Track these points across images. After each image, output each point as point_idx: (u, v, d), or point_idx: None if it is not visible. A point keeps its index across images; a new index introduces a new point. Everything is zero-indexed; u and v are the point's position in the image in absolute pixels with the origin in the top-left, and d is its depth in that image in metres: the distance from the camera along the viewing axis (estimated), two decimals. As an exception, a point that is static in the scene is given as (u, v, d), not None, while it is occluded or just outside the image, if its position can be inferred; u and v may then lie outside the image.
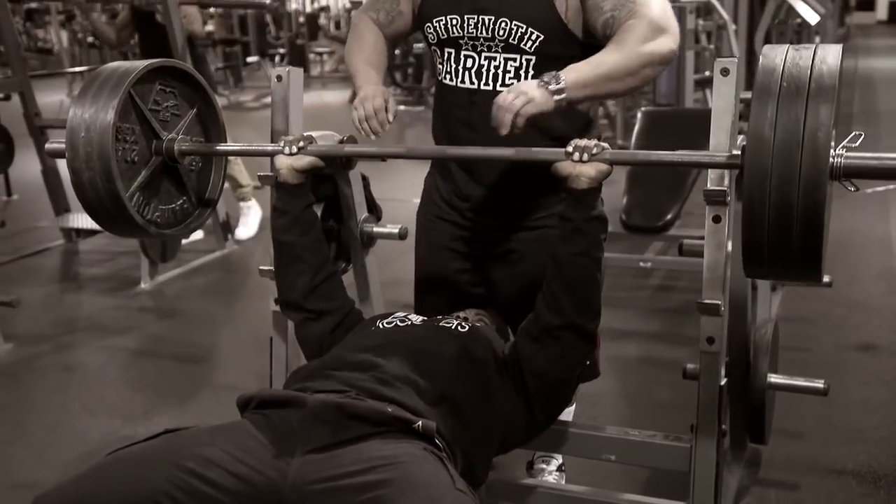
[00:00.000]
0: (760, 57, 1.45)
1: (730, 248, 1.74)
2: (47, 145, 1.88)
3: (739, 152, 1.53)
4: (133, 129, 1.81)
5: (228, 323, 3.82)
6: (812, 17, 7.24)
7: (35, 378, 3.27)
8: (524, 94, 1.64)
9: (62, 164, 5.06)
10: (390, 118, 1.87)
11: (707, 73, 6.08)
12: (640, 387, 2.99)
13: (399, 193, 5.89)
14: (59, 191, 4.86)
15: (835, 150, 1.42)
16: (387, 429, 1.43)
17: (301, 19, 15.10)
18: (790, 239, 1.37)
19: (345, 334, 1.83)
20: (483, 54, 1.83)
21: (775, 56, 1.43)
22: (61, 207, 4.90)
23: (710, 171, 1.74)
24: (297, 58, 12.67)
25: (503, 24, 1.78)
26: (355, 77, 1.96)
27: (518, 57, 1.81)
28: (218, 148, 1.96)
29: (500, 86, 1.80)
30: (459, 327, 1.79)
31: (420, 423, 1.45)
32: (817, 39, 11.55)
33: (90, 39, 12.55)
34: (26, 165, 5.30)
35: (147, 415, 2.91)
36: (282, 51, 13.47)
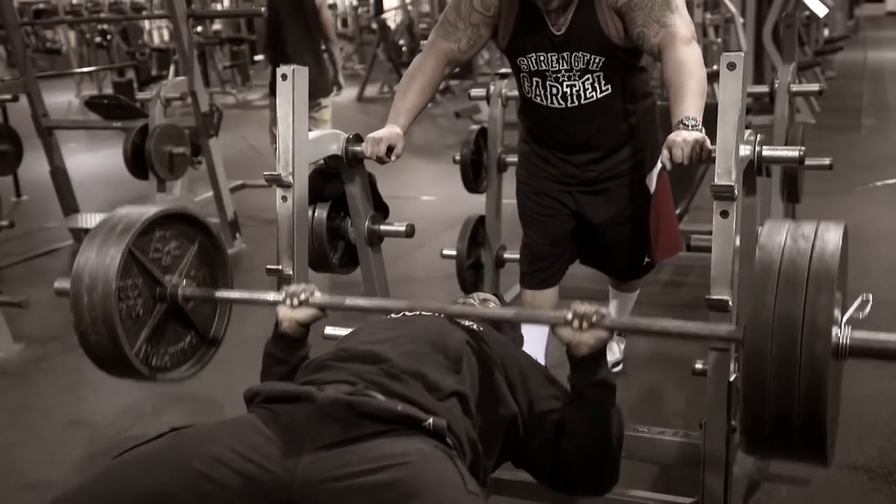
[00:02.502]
0: (761, 233, 1.44)
1: (738, 243, 1.73)
2: (55, 285, 1.91)
3: (742, 329, 1.50)
4: (135, 283, 1.83)
5: (235, 321, 3.79)
6: (820, 10, 7.22)
7: (45, 378, 3.28)
8: (692, 139, 1.86)
9: (71, 165, 5.08)
10: (392, 158, 2.15)
11: (715, 67, 6.05)
12: (649, 383, 2.98)
13: (406, 191, 5.90)
14: (68, 191, 4.88)
15: (840, 328, 1.39)
16: (397, 427, 1.42)
17: (308, 17, 15.08)
18: (792, 419, 1.34)
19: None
20: (564, 83, 2.32)
21: (775, 238, 1.42)
22: (70, 208, 4.92)
23: (717, 165, 1.74)
24: (304, 56, 12.67)
25: (576, 57, 2.27)
26: (391, 110, 2.28)
27: (590, 76, 2.30)
28: (219, 295, 1.96)
29: (583, 101, 2.33)
30: (470, 325, 1.79)
31: (430, 420, 1.44)
32: (825, 32, 11.51)
33: (97, 40, 12.57)
34: (35, 166, 5.32)
35: (156, 413, 2.92)
36: (289, 49, 13.46)
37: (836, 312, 1.39)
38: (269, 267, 2.08)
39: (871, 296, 1.45)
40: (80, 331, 1.80)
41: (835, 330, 1.36)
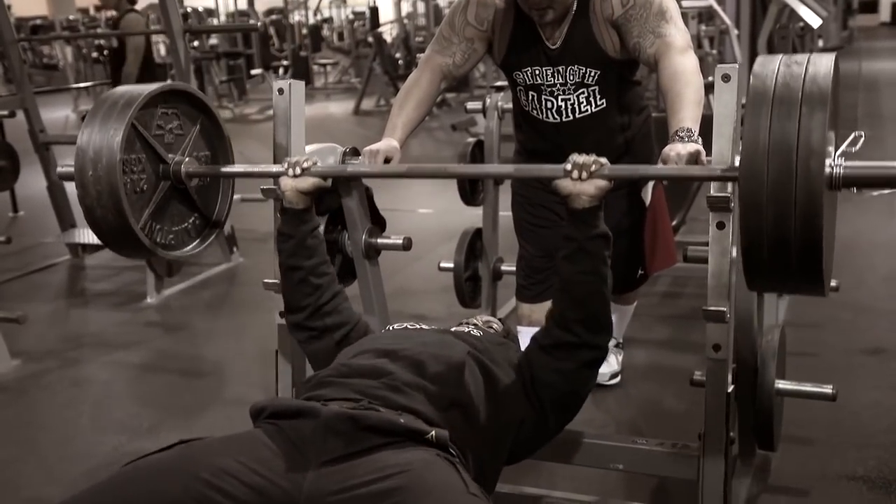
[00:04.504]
0: (753, 68, 1.45)
1: (734, 254, 1.74)
2: (58, 169, 1.91)
3: (738, 164, 1.52)
4: (139, 158, 1.84)
5: (234, 336, 3.82)
6: (814, 21, 7.23)
7: (42, 394, 3.27)
8: (686, 152, 1.83)
9: (67, 182, 5.07)
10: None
11: (710, 79, 6.07)
12: (647, 395, 2.98)
13: (403, 204, 5.90)
14: (65, 206, 4.88)
15: (833, 159, 1.40)
16: (400, 439, 1.43)
17: (304, 31, 15.15)
18: (789, 250, 1.35)
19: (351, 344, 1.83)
20: (559, 97, 2.33)
21: (767, 67, 1.43)
22: (67, 223, 4.91)
23: (712, 178, 1.74)
24: (301, 70, 12.72)
25: (571, 71, 2.28)
26: (387, 124, 2.29)
27: (585, 90, 2.31)
28: (223, 170, 1.98)
29: (577, 115, 2.34)
30: (469, 332, 1.80)
31: (433, 432, 1.45)
32: (819, 43, 11.56)
33: (94, 55, 12.59)
34: (32, 182, 5.32)
35: (154, 430, 2.91)
36: (285, 63, 13.51)
37: (830, 147, 1.40)
38: (266, 281, 2.08)
39: (863, 133, 1.46)
40: (85, 205, 1.80)
41: (828, 161, 1.37)
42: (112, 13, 6.47)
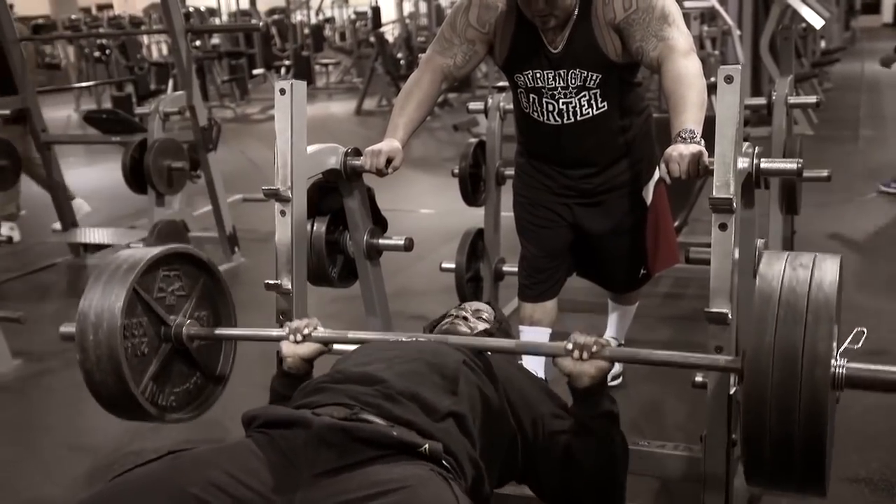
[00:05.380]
0: (759, 268, 1.44)
1: (737, 255, 1.73)
2: (61, 329, 1.92)
3: (740, 357, 1.51)
4: (140, 321, 1.85)
5: (236, 336, 3.81)
6: (817, 22, 7.23)
7: (43, 394, 3.27)
8: (688, 153, 1.84)
9: (69, 180, 5.07)
10: (390, 171, 2.16)
11: (713, 80, 6.07)
12: (649, 397, 2.97)
13: (404, 205, 5.90)
14: (67, 206, 4.88)
15: (836, 359, 1.40)
16: (393, 452, 1.41)
17: (306, 31, 15.15)
18: (792, 453, 1.35)
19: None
20: (560, 100, 2.32)
21: (773, 267, 1.43)
22: (68, 222, 4.91)
23: (715, 178, 1.73)
24: (303, 69, 12.71)
25: (572, 74, 2.27)
26: (389, 124, 2.29)
27: (586, 93, 2.30)
28: (224, 332, 1.98)
29: (579, 118, 2.33)
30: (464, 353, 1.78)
31: (427, 445, 1.43)
32: (822, 44, 11.55)
33: (96, 54, 12.60)
34: (33, 181, 5.32)
35: (155, 429, 2.90)
36: (287, 63, 13.52)
37: (833, 344, 1.40)
38: (267, 282, 2.08)
39: (865, 329, 1.45)
40: (85, 369, 1.81)
41: (831, 362, 1.37)
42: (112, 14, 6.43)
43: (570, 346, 1.62)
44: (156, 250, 1.87)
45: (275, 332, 1.87)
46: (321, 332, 1.80)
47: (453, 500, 1.33)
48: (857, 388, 1.42)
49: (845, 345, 1.44)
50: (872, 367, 1.42)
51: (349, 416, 1.47)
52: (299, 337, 1.79)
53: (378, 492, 1.32)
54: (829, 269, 1.41)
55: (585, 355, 1.61)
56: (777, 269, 1.42)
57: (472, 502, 1.40)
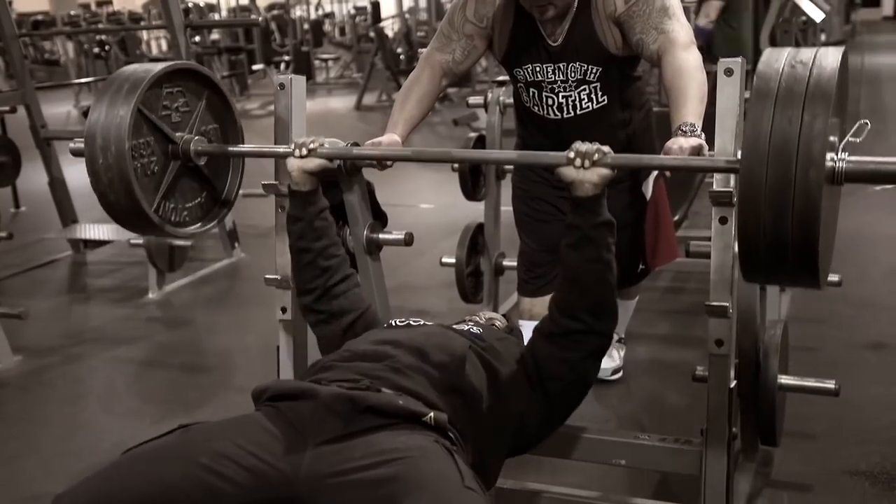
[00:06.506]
0: (761, 60, 1.44)
1: (736, 249, 1.73)
2: (70, 144, 1.93)
3: (740, 156, 1.52)
4: (147, 141, 1.88)
5: (236, 332, 3.81)
6: (817, 15, 7.21)
7: (44, 390, 3.27)
8: (688, 146, 1.83)
9: (69, 176, 5.07)
10: (389, 165, 2.10)
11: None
12: (649, 390, 2.97)
13: (405, 199, 5.89)
14: (67, 202, 4.88)
15: (837, 153, 1.40)
16: (398, 420, 1.44)
17: (306, 26, 15.13)
18: (786, 244, 1.36)
19: (358, 336, 1.84)
20: (560, 94, 2.32)
21: (772, 66, 1.42)
22: (69, 219, 4.91)
23: (715, 172, 1.73)
24: (303, 65, 12.69)
25: (572, 68, 2.26)
26: (389, 119, 2.29)
27: (586, 87, 2.30)
28: (231, 149, 2.01)
29: (578, 112, 2.33)
30: (470, 330, 1.80)
31: (431, 414, 1.46)
32: (822, 37, 11.53)
33: (96, 50, 12.59)
34: (33, 177, 5.31)
35: (156, 425, 2.90)
36: (287, 58, 13.49)
37: (834, 138, 1.40)
38: (267, 276, 2.08)
39: (868, 122, 1.45)
40: (98, 191, 1.84)
41: (831, 155, 1.37)
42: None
43: (571, 154, 1.65)
44: (157, 67, 1.88)
45: (280, 148, 1.92)
46: (326, 147, 1.87)
47: (456, 473, 1.35)
48: (857, 181, 1.42)
49: (847, 138, 1.44)
50: (874, 159, 1.43)
51: (356, 387, 1.49)
52: (304, 151, 1.85)
53: (381, 460, 1.34)
54: (829, 63, 1.40)
55: (587, 163, 1.63)
56: (776, 66, 1.41)
57: (476, 476, 1.41)
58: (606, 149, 1.66)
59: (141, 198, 1.82)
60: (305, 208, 1.87)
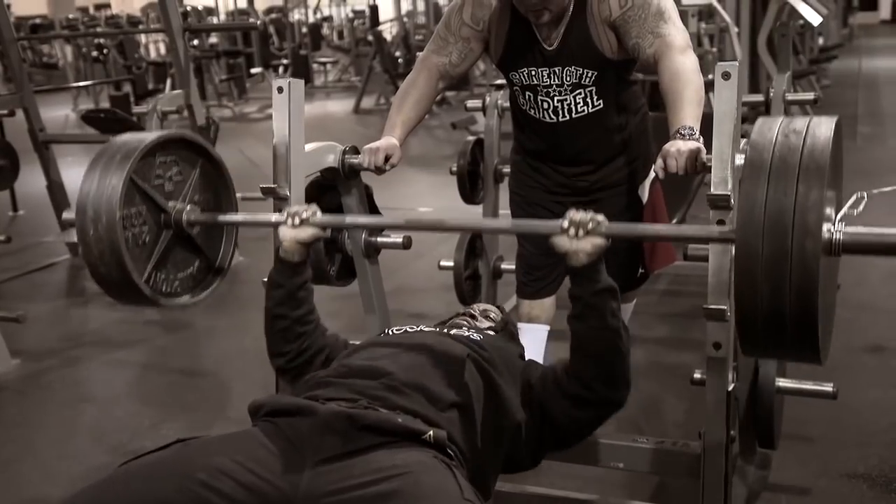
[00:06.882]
0: (754, 129, 1.43)
1: (734, 252, 1.73)
2: (63, 215, 1.91)
3: (733, 228, 1.51)
4: (139, 211, 1.84)
5: (234, 335, 3.81)
6: (814, 19, 7.22)
7: (43, 394, 3.27)
8: (686, 149, 1.86)
9: (67, 179, 5.06)
10: (387, 168, 2.16)
11: (710, 77, 6.06)
12: (647, 393, 2.98)
13: (403, 203, 5.90)
14: (64, 206, 4.87)
15: (833, 225, 1.39)
16: (397, 439, 1.43)
17: (304, 30, 15.14)
18: (784, 317, 1.34)
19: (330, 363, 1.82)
20: (556, 98, 2.31)
21: (768, 129, 1.41)
22: (66, 222, 4.91)
23: (712, 175, 1.74)
24: (301, 68, 12.69)
25: (567, 72, 2.26)
26: (387, 123, 2.29)
27: (581, 91, 2.29)
28: (222, 218, 1.97)
29: (574, 116, 2.32)
30: (469, 337, 1.79)
31: (430, 432, 1.45)
32: (820, 41, 11.55)
33: (94, 54, 12.59)
34: (31, 181, 5.32)
35: (155, 428, 2.91)
36: (285, 62, 13.50)
37: (830, 210, 1.39)
38: (265, 279, 2.07)
39: (865, 194, 1.45)
40: (89, 262, 1.80)
41: (828, 226, 1.36)
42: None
43: (565, 223, 1.62)
44: (150, 137, 1.85)
45: (273, 217, 1.88)
46: (319, 216, 1.82)
47: (455, 487, 1.35)
48: (855, 252, 1.41)
49: (844, 209, 1.44)
50: (872, 229, 1.41)
51: (354, 406, 1.48)
52: (297, 221, 1.80)
53: (381, 477, 1.33)
54: (822, 133, 1.38)
55: (581, 233, 1.61)
56: (769, 136, 1.41)
57: (475, 489, 1.41)
58: (601, 217, 1.63)
59: (132, 270, 1.77)
60: (291, 278, 1.81)
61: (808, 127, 1.40)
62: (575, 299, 1.66)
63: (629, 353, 1.68)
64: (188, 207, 1.90)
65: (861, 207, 1.45)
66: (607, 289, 1.65)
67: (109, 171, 1.78)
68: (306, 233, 1.79)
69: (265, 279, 2.08)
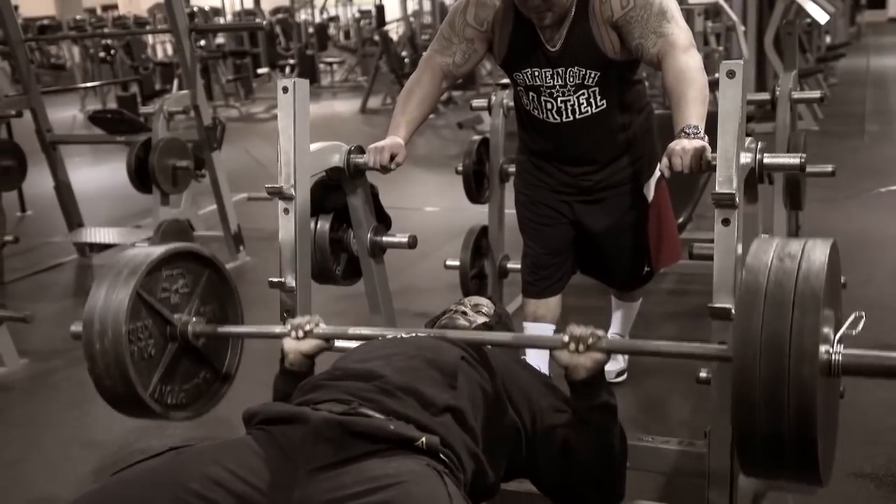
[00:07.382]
0: (749, 252, 1.44)
1: (740, 251, 1.73)
2: (72, 328, 1.92)
3: (730, 346, 1.51)
4: (146, 324, 1.84)
5: (241, 334, 3.82)
6: (821, 17, 7.22)
7: (49, 393, 3.28)
8: (691, 147, 1.85)
9: (75, 180, 5.08)
10: (392, 167, 2.16)
11: (716, 75, 6.05)
12: (653, 392, 2.97)
13: (409, 202, 5.90)
14: (72, 206, 4.89)
15: (832, 347, 1.39)
16: (390, 446, 1.42)
17: (310, 30, 15.16)
18: (783, 439, 1.34)
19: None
20: (559, 98, 2.32)
21: (763, 252, 1.42)
22: (74, 222, 4.93)
23: (717, 173, 1.73)
24: (307, 68, 12.72)
25: (571, 72, 2.27)
26: (391, 122, 2.29)
27: (585, 91, 2.30)
28: (227, 331, 1.97)
29: (577, 116, 2.33)
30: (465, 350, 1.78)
31: (423, 439, 1.44)
32: (827, 39, 11.52)
33: (101, 55, 12.63)
34: (39, 181, 5.34)
35: (161, 427, 2.91)
36: (292, 62, 13.52)
37: (828, 330, 1.39)
38: (271, 280, 2.08)
39: (864, 313, 1.44)
40: (94, 375, 1.81)
41: (826, 348, 1.36)
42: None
43: (566, 338, 1.63)
44: (157, 252, 1.86)
45: (277, 328, 1.88)
46: (323, 328, 1.81)
47: (445, 497, 1.34)
48: (855, 374, 1.41)
49: (842, 330, 1.44)
50: (871, 352, 1.41)
51: (347, 410, 1.47)
52: (300, 333, 1.80)
53: (373, 487, 1.32)
54: (817, 256, 1.39)
55: (581, 347, 1.61)
56: (764, 260, 1.41)
57: (469, 498, 1.41)
58: (601, 332, 1.64)
59: (137, 383, 1.79)
60: (295, 388, 1.76)
61: (802, 251, 1.41)
62: (573, 409, 1.69)
63: (623, 466, 1.70)
64: (194, 319, 1.91)
65: (860, 327, 1.45)
66: (603, 405, 1.66)
67: (117, 286, 1.80)
68: (309, 345, 1.79)
69: (271, 279, 2.09)
